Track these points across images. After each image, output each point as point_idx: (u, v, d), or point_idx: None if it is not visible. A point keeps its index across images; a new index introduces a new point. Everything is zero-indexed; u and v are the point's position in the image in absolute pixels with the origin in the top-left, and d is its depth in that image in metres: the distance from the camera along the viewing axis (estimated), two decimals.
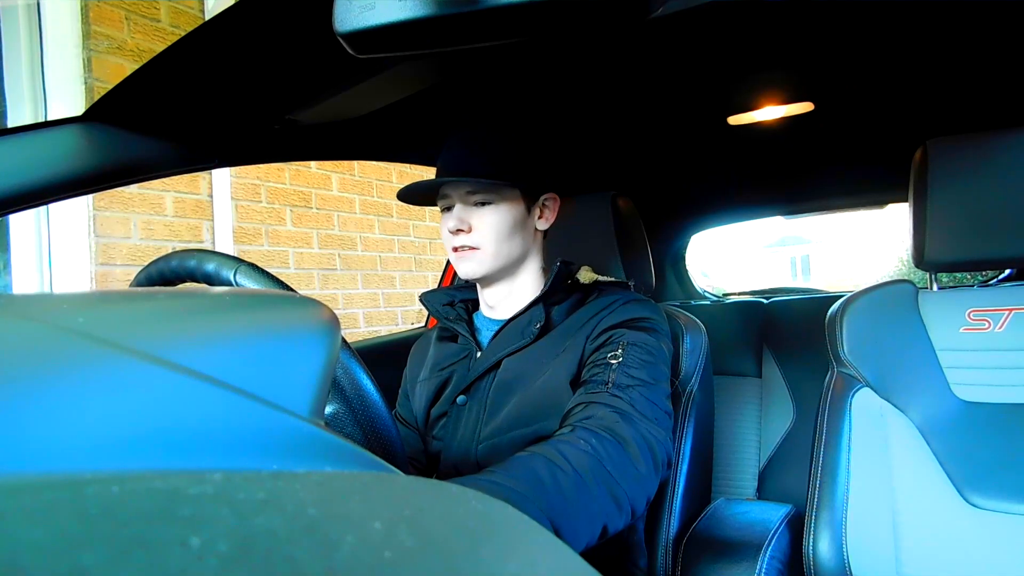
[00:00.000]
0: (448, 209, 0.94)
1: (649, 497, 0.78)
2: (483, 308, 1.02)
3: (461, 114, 1.14)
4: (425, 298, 1.06)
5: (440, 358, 1.02)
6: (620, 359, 0.84)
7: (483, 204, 0.91)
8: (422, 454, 1.00)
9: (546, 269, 1.00)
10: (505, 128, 0.95)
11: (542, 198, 0.98)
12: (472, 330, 1.01)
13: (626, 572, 0.93)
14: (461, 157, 0.91)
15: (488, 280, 0.96)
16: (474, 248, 0.91)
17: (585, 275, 0.99)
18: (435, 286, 1.45)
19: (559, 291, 0.95)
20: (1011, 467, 0.87)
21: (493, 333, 0.97)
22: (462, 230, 0.91)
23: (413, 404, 1.05)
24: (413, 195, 0.94)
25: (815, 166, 1.66)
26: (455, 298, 1.06)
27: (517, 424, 0.87)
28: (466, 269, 0.93)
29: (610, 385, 0.81)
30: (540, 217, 0.98)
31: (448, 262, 1.74)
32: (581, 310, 0.94)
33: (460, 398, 0.94)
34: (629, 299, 0.93)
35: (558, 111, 1.23)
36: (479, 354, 0.97)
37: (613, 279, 1.01)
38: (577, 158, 1.55)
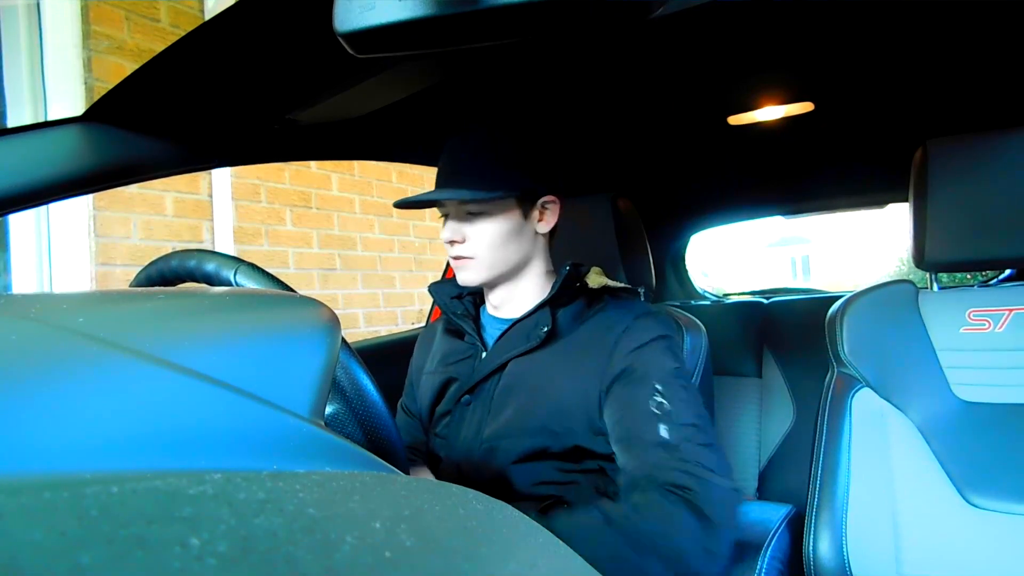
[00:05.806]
0: (446, 216, 0.93)
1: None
2: (488, 307, 1.01)
3: (461, 114, 1.14)
4: (433, 289, 1.05)
5: (447, 353, 1.02)
6: (667, 408, 0.81)
7: (476, 214, 0.90)
8: (424, 445, 1.00)
9: (551, 271, 0.99)
10: (502, 131, 0.93)
11: (541, 201, 0.95)
12: (478, 327, 1.00)
13: None
14: (455, 166, 0.91)
15: (489, 285, 0.96)
16: (469, 258, 0.91)
17: (594, 279, 0.96)
18: None
19: (565, 294, 0.93)
20: (1011, 467, 0.87)
21: (499, 333, 0.96)
22: (456, 241, 0.91)
23: (417, 394, 1.05)
24: (411, 204, 0.94)
25: (815, 166, 1.66)
26: (463, 291, 1.04)
27: (522, 431, 0.86)
28: (463, 277, 0.93)
29: (666, 448, 0.79)
30: (540, 220, 0.96)
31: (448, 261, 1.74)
32: (591, 322, 0.92)
33: (465, 398, 0.94)
34: (640, 314, 0.91)
35: (558, 111, 1.23)
36: (484, 354, 0.96)
37: (622, 285, 0.98)
38: (577, 159, 1.55)
